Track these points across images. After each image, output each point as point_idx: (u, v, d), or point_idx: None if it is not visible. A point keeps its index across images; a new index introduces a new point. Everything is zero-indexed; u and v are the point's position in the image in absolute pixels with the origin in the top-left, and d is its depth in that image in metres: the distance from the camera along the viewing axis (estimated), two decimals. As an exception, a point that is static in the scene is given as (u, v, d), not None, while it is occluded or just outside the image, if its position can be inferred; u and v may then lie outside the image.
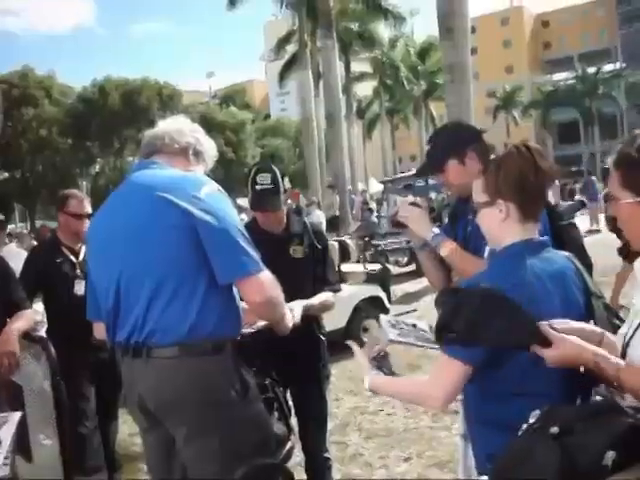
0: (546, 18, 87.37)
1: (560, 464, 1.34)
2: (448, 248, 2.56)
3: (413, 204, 2.68)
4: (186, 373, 2.17)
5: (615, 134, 70.88)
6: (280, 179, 3.17)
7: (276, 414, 2.60)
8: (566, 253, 2.07)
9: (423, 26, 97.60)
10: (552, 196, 7.84)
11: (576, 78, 66.33)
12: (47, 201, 39.00)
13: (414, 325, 2.57)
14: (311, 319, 3.20)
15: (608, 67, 70.37)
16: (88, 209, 4.17)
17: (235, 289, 2.29)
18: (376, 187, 39.11)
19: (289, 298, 3.00)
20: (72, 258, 4.10)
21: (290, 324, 2.57)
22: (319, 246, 3.38)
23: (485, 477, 1.49)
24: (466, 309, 1.74)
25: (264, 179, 3.14)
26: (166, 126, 2.51)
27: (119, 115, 40.49)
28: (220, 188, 2.31)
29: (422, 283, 12.70)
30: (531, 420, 1.46)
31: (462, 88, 12.03)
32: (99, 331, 2.48)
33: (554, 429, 1.39)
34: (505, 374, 1.86)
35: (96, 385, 4.05)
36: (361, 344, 6.58)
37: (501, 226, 1.99)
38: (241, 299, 2.32)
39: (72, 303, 3.79)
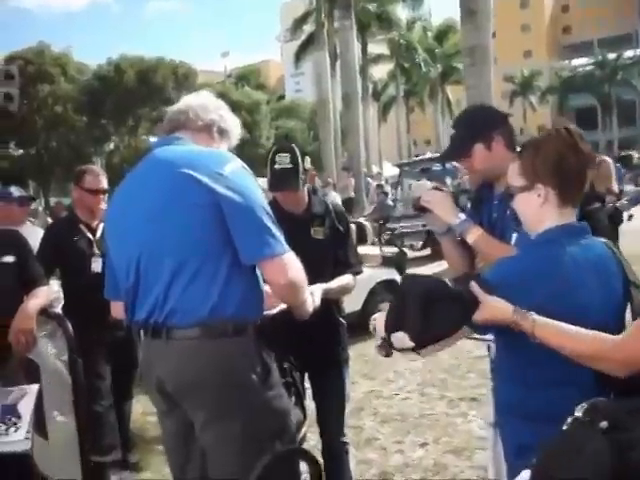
0: (566, 2, 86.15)
1: (611, 460, 1.28)
2: (475, 234, 2.48)
3: (436, 188, 2.61)
4: (207, 355, 2.11)
5: (634, 121, 70.19)
6: (300, 159, 3.10)
7: (293, 398, 2.55)
8: (604, 240, 2.01)
9: (440, 9, 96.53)
10: (615, 181, 7.71)
11: (595, 64, 65.54)
12: (61, 178, 39.04)
13: None
14: (331, 302, 3.14)
15: (628, 53, 69.36)
16: (104, 184, 4.12)
17: (258, 271, 2.22)
18: (390, 170, 38.91)
19: (310, 280, 2.96)
20: (89, 235, 4.06)
21: (311, 308, 2.49)
22: (341, 228, 3.31)
23: (527, 472, 1.42)
24: (410, 308, 1.79)
25: (283, 159, 3.07)
26: (190, 101, 2.43)
27: (134, 93, 40.35)
28: (245, 165, 2.23)
29: (438, 267, 12.59)
30: (577, 413, 1.39)
31: (483, 71, 11.89)
32: (117, 310, 2.43)
33: (603, 424, 1.33)
34: (541, 361, 1.80)
35: (111, 364, 4.02)
36: (337, 329, 6.31)
37: (539, 211, 1.93)
38: (264, 281, 2.26)
39: (89, 281, 3.75)
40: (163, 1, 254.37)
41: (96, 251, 3.97)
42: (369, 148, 36.37)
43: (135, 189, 2.28)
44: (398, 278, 8.01)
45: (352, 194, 20.83)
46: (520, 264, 1.92)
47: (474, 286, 1.81)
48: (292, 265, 2.16)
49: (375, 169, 33.93)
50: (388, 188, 20.84)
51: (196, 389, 2.13)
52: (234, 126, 2.49)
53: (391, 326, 1.84)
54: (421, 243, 14.23)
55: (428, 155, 23.16)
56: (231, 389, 2.12)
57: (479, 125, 2.66)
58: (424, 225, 14.12)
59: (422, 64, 41.91)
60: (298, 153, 3.11)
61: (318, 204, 3.31)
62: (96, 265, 3.89)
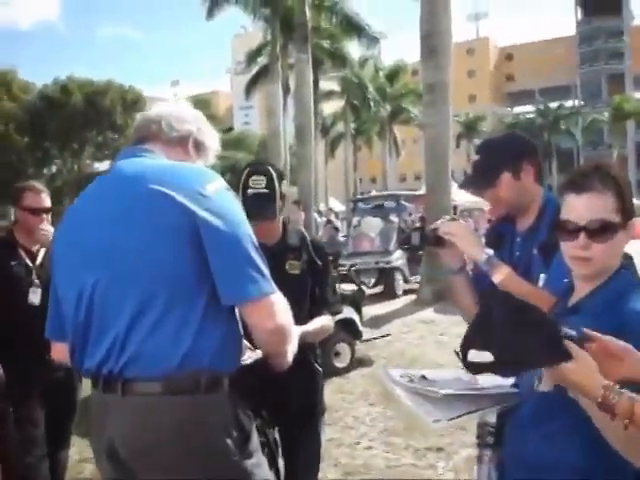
0: (510, 51, 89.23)
1: None
2: (503, 273, 2.17)
3: (454, 220, 2.30)
4: (171, 415, 1.72)
5: (572, 168, 72.56)
6: (277, 183, 2.73)
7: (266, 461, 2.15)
8: None
9: (389, 51, 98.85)
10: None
11: (537, 112, 67.62)
12: (1, 200, 37.67)
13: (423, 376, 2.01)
14: (306, 346, 2.75)
15: (568, 104, 71.93)
16: (46, 203, 3.65)
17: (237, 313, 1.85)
18: (337, 206, 38.93)
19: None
20: (28, 261, 3.57)
21: (291, 359, 2.11)
22: (319, 262, 2.94)
23: None
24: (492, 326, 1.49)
25: (258, 183, 2.70)
26: (164, 109, 2.10)
27: (81, 116, 39.44)
28: (228, 187, 1.90)
29: (391, 306, 12.43)
30: None
31: (443, 109, 11.82)
32: (59, 353, 2.01)
33: None
34: None
35: (48, 408, 3.52)
36: (332, 370, 6.01)
37: (620, 251, 1.73)
38: (243, 325, 1.89)
39: (25, 314, 3.28)
40: (114, 26, 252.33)
41: (35, 280, 3.49)
42: (317, 183, 36.28)
43: (93, 207, 1.88)
44: (356, 318, 7.68)
45: (302, 229, 20.53)
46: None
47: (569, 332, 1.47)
48: (281, 308, 1.83)
49: (322, 204, 33.81)
50: (338, 223, 20.67)
51: (157, 457, 1.72)
52: (212, 141, 2.17)
53: (469, 344, 1.54)
54: (373, 280, 13.99)
55: (381, 192, 23.18)
56: (201, 458, 1.71)
57: (508, 152, 2.38)
58: (377, 262, 13.96)
59: (372, 102, 42.22)
60: (275, 176, 2.74)
61: (294, 235, 2.95)
62: (34, 296, 3.41)
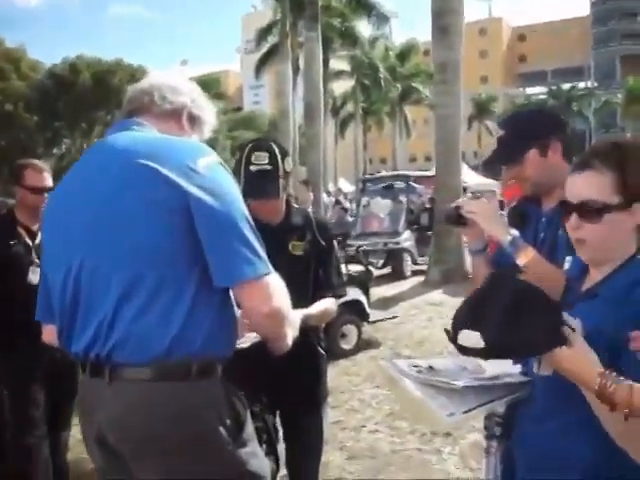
0: (523, 32, 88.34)
1: None
2: (528, 256, 2.06)
3: (477, 198, 2.21)
4: (162, 402, 1.64)
5: (583, 151, 71.88)
6: (280, 159, 2.63)
7: (264, 447, 2.07)
8: None
9: (400, 30, 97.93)
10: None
11: (549, 93, 66.95)
12: (8, 178, 37.74)
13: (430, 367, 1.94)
14: (309, 330, 2.67)
15: (581, 85, 71.17)
16: (48, 182, 3.57)
17: (232, 295, 1.77)
18: (346, 187, 38.77)
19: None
20: (28, 240, 3.50)
21: (290, 341, 2.00)
22: (323, 242, 2.84)
23: None
24: (493, 308, 1.46)
25: (260, 159, 2.59)
26: (157, 80, 1.99)
27: (89, 95, 39.28)
28: (222, 162, 1.79)
29: (399, 287, 12.36)
30: None
31: (454, 89, 11.64)
32: (49, 335, 1.93)
33: None
34: None
35: (48, 389, 3.47)
36: (339, 352, 5.92)
37: (628, 236, 1.62)
38: (238, 306, 1.81)
39: (24, 293, 3.21)
40: (124, 5, 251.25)
41: (35, 259, 3.42)
42: (326, 164, 36.13)
43: (81, 183, 1.80)
44: (363, 299, 7.60)
45: (311, 209, 20.47)
46: None
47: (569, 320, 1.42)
48: (277, 290, 1.72)
49: (331, 185, 33.68)
50: (347, 204, 20.58)
51: (146, 445, 1.64)
52: (209, 114, 2.07)
53: (461, 322, 1.53)
54: (381, 262, 13.91)
55: (391, 172, 23.03)
56: (192, 447, 1.64)
57: (535, 128, 2.26)
58: (385, 243, 13.87)
59: (383, 82, 41.89)
60: (278, 152, 2.64)
61: (297, 214, 2.85)
62: (34, 276, 3.34)
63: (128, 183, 1.68)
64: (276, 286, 1.72)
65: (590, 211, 1.61)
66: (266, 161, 2.60)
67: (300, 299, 2.68)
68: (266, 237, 2.64)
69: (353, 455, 4.56)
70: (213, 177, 1.70)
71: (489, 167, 2.57)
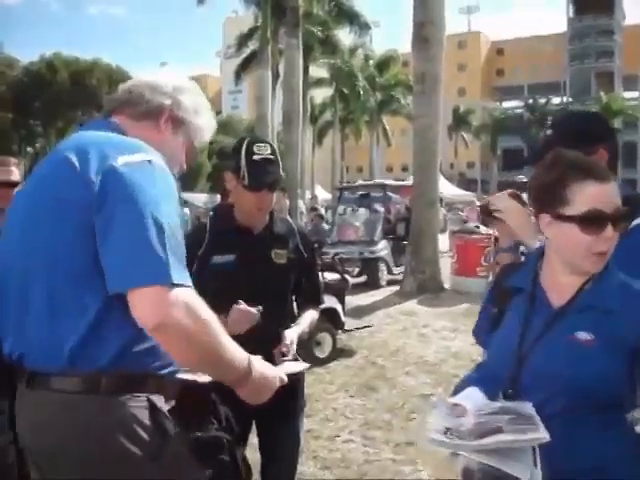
0: (501, 46, 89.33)
1: None
2: None
3: (514, 195, 2.14)
4: (67, 417, 1.54)
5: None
6: (278, 153, 2.66)
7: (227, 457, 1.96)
8: None
9: (380, 40, 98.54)
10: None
11: (526, 107, 67.73)
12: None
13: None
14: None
15: (556, 100, 72.14)
16: (13, 176, 3.48)
17: None
18: (323, 194, 38.82)
19: (268, 310, 2.51)
20: None
21: (264, 395, 1.76)
22: (305, 253, 2.83)
23: None
24: None
25: (262, 149, 2.58)
26: (142, 77, 1.90)
27: (66, 94, 38.96)
28: (163, 165, 1.65)
29: (374, 296, 12.36)
30: None
31: (433, 100, 11.71)
32: None
33: None
34: None
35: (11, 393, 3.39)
36: (313, 360, 5.91)
37: None
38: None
39: None
40: (106, 5, 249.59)
41: None
42: (303, 171, 36.13)
43: (30, 181, 1.74)
44: (339, 308, 7.59)
45: (287, 216, 20.45)
46: None
47: None
48: (181, 304, 1.46)
49: (308, 192, 33.65)
50: (323, 211, 20.57)
51: (56, 460, 1.56)
52: (201, 118, 1.92)
53: None
54: (357, 270, 13.91)
55: (368, 181, 23.08)
56: (100, 464, 1.53)
57: (584, 131, 2.17)
58: (361, 252, 13.88)
59: (362, 91, 42.05)
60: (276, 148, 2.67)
61: (280, 223, 2.84)
62: None
63: (46, 181, 1.63)
64: (181, 300, 1.47)
65: (621, 219, 1.61)
66: (269, 151, 2.60)
67: (279, 306, 2.70)
68: (249, 244, 2.66)
69: (326, 465, 4.53)
70: (131, 177, 1.54)
71: (532, 164, 2.37)
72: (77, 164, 1.56)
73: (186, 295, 1.48)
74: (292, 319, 2.77)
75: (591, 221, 1.60)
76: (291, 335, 2.56)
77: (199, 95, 1.94)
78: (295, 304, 2.86)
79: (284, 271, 2.73)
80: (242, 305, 2.47)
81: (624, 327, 1.58)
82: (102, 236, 1.50)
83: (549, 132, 2.30)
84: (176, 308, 1.45)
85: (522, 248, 2.21)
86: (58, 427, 1.54)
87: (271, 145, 2.63)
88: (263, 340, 2.39)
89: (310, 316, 2.80)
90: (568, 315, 1.68)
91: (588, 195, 1.62)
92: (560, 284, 1.72)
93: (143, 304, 1.45)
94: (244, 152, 2.56)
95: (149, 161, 1.60)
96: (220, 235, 2.67)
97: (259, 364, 1.69)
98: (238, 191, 2.60)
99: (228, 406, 1.93)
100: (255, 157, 2.55)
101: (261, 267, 2.65)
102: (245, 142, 2.60)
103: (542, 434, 1.48)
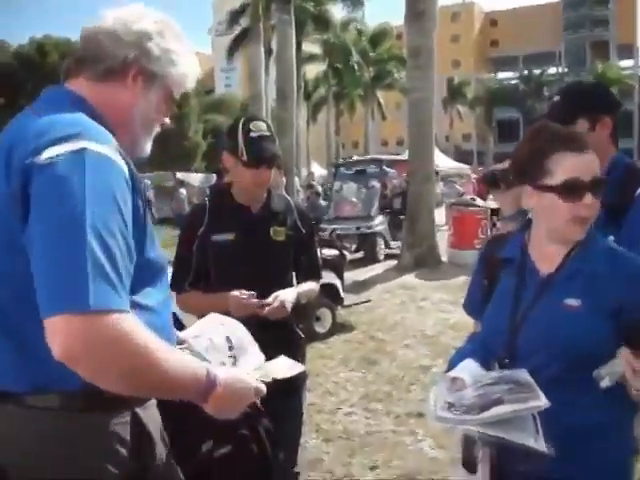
0: (495, 17, 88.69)
1: None
2: None
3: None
4: (41, 432, 1.40)
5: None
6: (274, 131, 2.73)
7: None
8: None
9: (372, 12, 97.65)
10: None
11: (520, 78, 67.44)
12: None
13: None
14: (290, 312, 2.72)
15: (551, 70, 71.78)
16: None
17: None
18: (318, 171, 38.74)
19: (265, 287, 2.56)
20: None
21: (238, 405, 1.55)
22: (303, 229, 2.88)
23: None
24: None
25: (259, 126, 2.63)
26: (100, 25, 1.55)
27: (58, 76, 38.59)
28: (102, 153, 1.34)
29: (372, 271, 12.44)
30: None
31: (427, 73, 11.68)
32: None
33: None
34: None
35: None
36: (313, 335, 6.03)
37: None
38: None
39: None
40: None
41: None
42: (299, 148, 36.04)
43: None
44: (338, 283, 7.66)
45: (284, 193, 20.46)
46: None
47: None
48: (94, 333, 1.23)
49: (304, 169, 33.63)
50: (319, 188, 20.57)
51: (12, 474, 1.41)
52: (178, 66, 1.61)
53: None
54: (354, 246, 13.96)
55: (364, 157, 23.04)
56: None
57: (590, 99, 2.28)
58: (358, 227, 13.93)
59: (355, 66, 41.82)
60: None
61: (278, 200, 2.88)
62: None
63: None
64: (95, 329, 1.24)
65: (601, 188, 1.70)
66: (265, 128, 2.65)
67: (281, 283, 2.74)
68: (248, 222, 2.71)
69: (329, 437, 4.62)
70: (52, 178, 1.28)
71: None
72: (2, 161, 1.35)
73: (103, 323, 1.24)
74: None
75: (570, 189, 1.68)
76: (286, 293, 2.59)
77: (173, 36, 1.61)
78: (295, 281, 2.91)
79: (283, 248, 2.77)
80: (236, 293, 2.51)
81: (609, 289, 1.67)
82: (31, 251, 1.29)
83: (556, 98, 2.37)
84: (85, 339, 1.23)
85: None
86: (24, 443, 1.39)
87: (266, 122, 2.68)
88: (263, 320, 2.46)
89: (308, 285, 2.84)
90: (557, 282, 1.75)
91: (567, 165, 1.69)
92: (547, 253, 1.80)
93: (50, 334, 1.24)
94: (241, 130, 2.60)
95: (80, 151, 1.31)
96: (219, 214, 2.72)
97: (226, 376, 1.47)
98: (237, 169, 2.64)
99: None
100: (252, 134, 2.59)
101: (260, 244, 2.70)
102: (241, 121, 2.64)
103: (542, 401, 1.55)
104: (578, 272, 1.73)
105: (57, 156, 1.29)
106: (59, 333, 1.23)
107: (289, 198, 3.02)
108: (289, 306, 2.57)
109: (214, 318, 1.92)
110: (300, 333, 2.94)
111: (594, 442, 1.69)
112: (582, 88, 2.53)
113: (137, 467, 1.46)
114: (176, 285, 2.73)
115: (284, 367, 1.82)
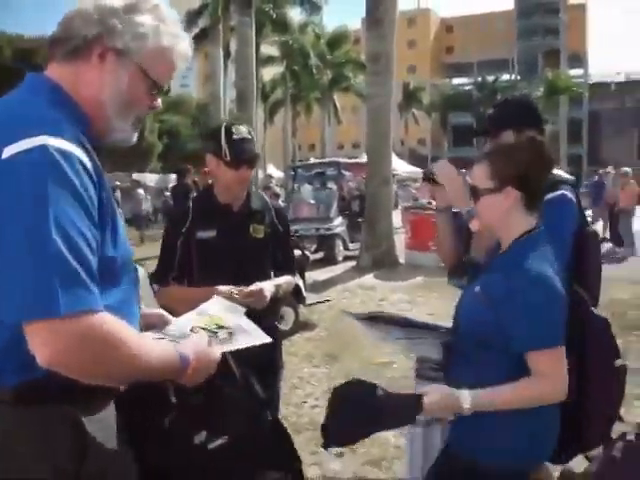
0: (450, 23, 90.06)
1: None
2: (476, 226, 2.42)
3: (450, 165, 2.56)
4: None
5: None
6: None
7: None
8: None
9: (330, 14, 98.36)
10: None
11: (475, 84, 68.56)
12: None
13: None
14: (268, 307, 2.89)
15: (505, 77, 73.19)
16: None
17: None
18: (275, 173, 38.83)
19: (245, 281, 2.74)
20: None
21: (204, 374, 1.62)
22: (280, 228, 3.08)
23: None
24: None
25: (240, 130, 2.81)
26: (80, 5, 1.52)
27: (11, 73, 37.86)
28: (59, 145, 1.32)
29: (331, 272, 12.66)
30: None
31: (386, 79, 11.96)
32: None
33: None
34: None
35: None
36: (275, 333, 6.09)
37: (505, 215, 2.01)
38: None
39: None
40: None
41: None
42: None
43: None
44: (300, 282, 7.84)
45: (262, 193, 20.54)
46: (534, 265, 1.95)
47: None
48: (74, 337, 1.26)
49: (260, 171, 33.64)
50: (277, 190, 20.71)
51: None
52: (150, 39, 1.52)
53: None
54: (314, 247, 14.17)
55: (322, 159, 23.23)
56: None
57: (518, 113, 2.62)
58: (317, 229, 14.14)
59: (314, 69, 42.06)
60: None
61: (256, 199, 3.07)
62: None
63: None
64: (74, 332, 1.26)
65: (474, 194, 2.06)
66: (245, 132, 2.82)
67: (260, 277, 2.92)
68: (229, 220, 2.89)
69: (297, 429, 4.81)
70: (12, 177, 1.28)
71: (475, 136, 2.95)
72: None
73: (80, 325, 1.26)
74: None
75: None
76: (264, 285, 2.77)
77: (147, 11, 1.53)
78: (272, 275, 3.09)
79: (262, 244, 2.96)
80: (224, 287, 2.64)
81: (498, 289, 1.95)
82: None
83: (493, 109, 2.74)
84: (67, 344, 1.26)
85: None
86: None
87: (247, 127, 2.86)
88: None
89: (285, 279, 3.03)
90: (481, 274, 2.09)
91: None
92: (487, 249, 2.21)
93: (33, 341, 1.26)
94: (224, 133, 2.77)
95: (40, 147, 1.29)
96: (202, 213, 2.90)
97: (194, 352, 1.55)
98: (219, 169, 2.82)
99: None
100: (235, 137, 2.77)
101: (241, 240, 2.88)
102: (224, 125, 2.83)
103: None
104: (491, 269, 2.06)
105: (18, 154, 1.28)
106: (41, 340, 1.25)
107: (266, 197, 3.20)
108: (268, 295, 2.74)
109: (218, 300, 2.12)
110: (276, 323, 3.14)
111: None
112: (513, 102, 2.86)
113: (71, 469, 1.40)
114: (159, 278, 2.91)
115: (248, 337, 1.93)
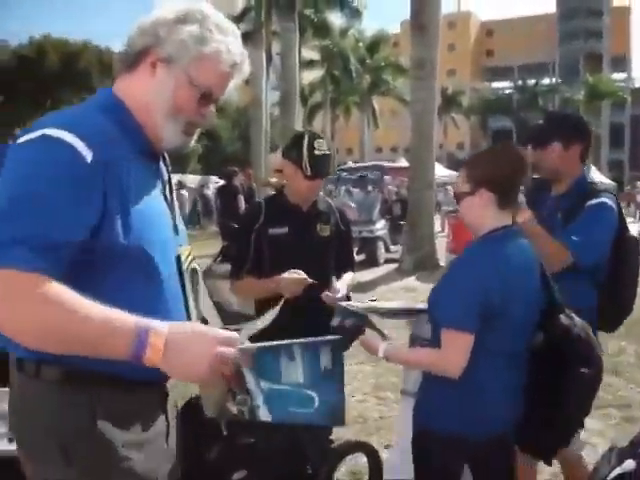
0: (491, 27, 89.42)
1: None
2: (525, 216, 2.65)
3: None
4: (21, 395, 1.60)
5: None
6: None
7: None
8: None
9: (370, 20, 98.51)
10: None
11: (515, 88, 68.02)
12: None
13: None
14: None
15: (545, 81, 72.46)
16: None
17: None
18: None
19: (312, 274, 2.96)
20: None
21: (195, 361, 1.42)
22: (343, 227, 3.33)
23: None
24: None
25: (322, 145, 3.01)
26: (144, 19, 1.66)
27: (56, 77, 38.77)
28: (58, 136, 1.44)
29: (373, 274, 12.83)
30: None
31: (430, 84, 12.10)
32: None
33: None
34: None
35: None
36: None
37: (481, 214, 2.25)
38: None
39: None
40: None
41: None
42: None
43: None
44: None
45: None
46: (463, 265, 2.27)
47: None
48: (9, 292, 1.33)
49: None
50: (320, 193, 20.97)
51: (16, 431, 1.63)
52: (199, 47, 1.57)
53: None
54: (356, 249, 14.35)
55: (366, 163, 23.35)
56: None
57: (568, 126, 2.87)
58: (360, 232, 14.31)
59: (354, 73, 42.24)
60: None
61: (322, 201, 3.32)
62: None
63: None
64: (15, 286, 1.32)
65: (456, 197, 2.37)
66: (326, 147, 3.04)
67: (324, 273, 3.14)
68: (299, 218, 3.12)
69: (347, 422, 5.00)
70: (13, 156, 1.46)
71: (523, 145, 3.14)
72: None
73: (17, 279, 1.32)
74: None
75: None
76: (340, 283, 3.10)
77: (198, 21, 1.59)
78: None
79: (327, 242, 3.21)
80: (287, 274, 2.92)
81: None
82: None
83: (543, 121, 3.02)
84: (11, 299, 1.33)
85: None
86: (15, 404, 1.59)
87: (326, 140, 3.07)
88: (310, 303, 2.88)
89: (349, 275, 3.30)
90: None
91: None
92: None
93: None
94: (306, 147, 2.96)
95: (42, 136, 1.44)
96: (275, 211, 3.14)
97: (168, 326, 1.42)
98: (296, 178, 3.04)
99: None
100: (316, 152, 2.97)
101: (309, 238, 3.13)
102: (306, 138, 3.00)
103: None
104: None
105: (26, 141, 1.45)
106: None
107: (330, 201, 3.44)
108: (344, 293, 2.99)
109: None
110: (351, 297, 3.35)
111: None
112: (562, 116, 3.17)
113: (67, 444, 1.49)
114: (234, 273, 3.16)
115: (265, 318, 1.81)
